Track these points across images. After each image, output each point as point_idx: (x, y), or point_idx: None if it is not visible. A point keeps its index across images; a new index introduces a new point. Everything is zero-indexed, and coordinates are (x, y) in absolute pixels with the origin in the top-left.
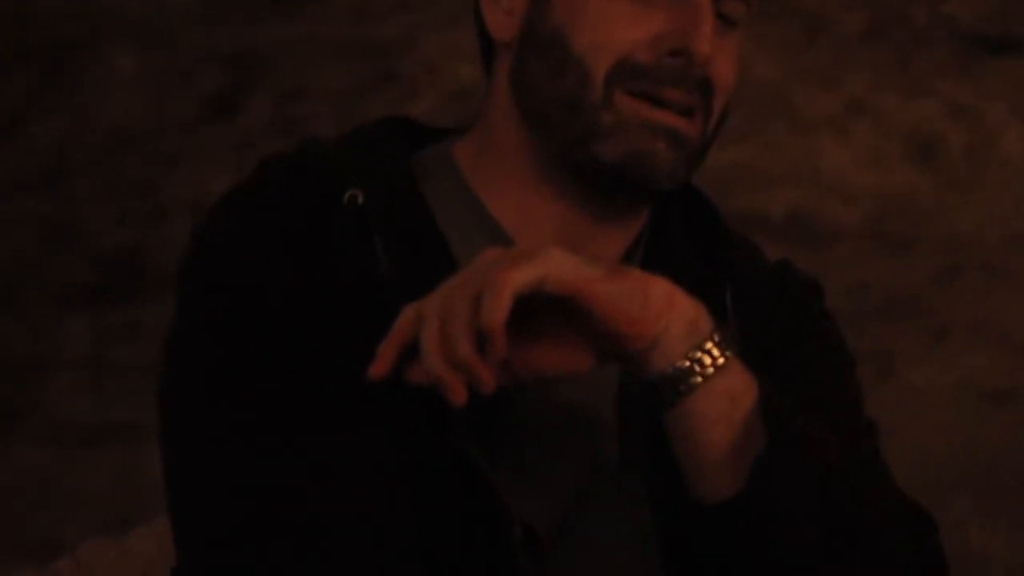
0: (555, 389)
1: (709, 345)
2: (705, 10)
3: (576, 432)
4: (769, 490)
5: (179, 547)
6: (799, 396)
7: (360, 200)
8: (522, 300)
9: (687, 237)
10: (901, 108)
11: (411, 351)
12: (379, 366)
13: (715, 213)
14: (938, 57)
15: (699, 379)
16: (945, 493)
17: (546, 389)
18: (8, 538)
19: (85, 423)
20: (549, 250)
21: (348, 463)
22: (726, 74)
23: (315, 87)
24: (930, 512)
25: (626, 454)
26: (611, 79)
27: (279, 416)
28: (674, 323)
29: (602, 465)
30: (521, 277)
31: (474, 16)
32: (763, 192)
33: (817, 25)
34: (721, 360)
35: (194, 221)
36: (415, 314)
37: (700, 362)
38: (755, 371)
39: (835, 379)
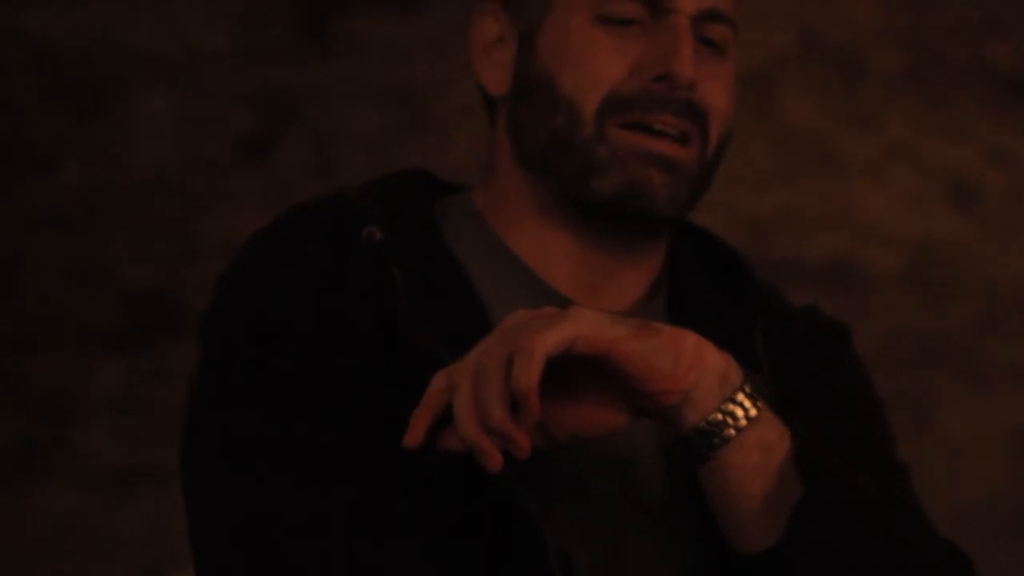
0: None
1: (740, 397)
2: (684, 33)
3: (616, 474)
4: (808, 538)
5: None
6: (831, 437)
7: (377, 236)
8: (554, 361)
9: (711, 280)
10: (940, 152)
11: (444, 417)
12: (413, 435)
13: (735, 255)
14: (978, 100)
15: (732, 432)
16: (984, 541)
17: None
18: None
19: (117, 466)
20: (578, 310)
21: (378, 502)
22: (719, 99)
23: (349, 130)
24: (966, 552)
25: (670, 498)
26: (601, 114)
27: (308, 464)
28: (705, 377)
29: (643, 507)
30: (552, 339)
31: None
32: (802, 238)
33: (855, 68)
34: (753, 411)
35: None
36: (446, 380)
37: (732, 415)
38: (787, 414)
39: (867, 420)
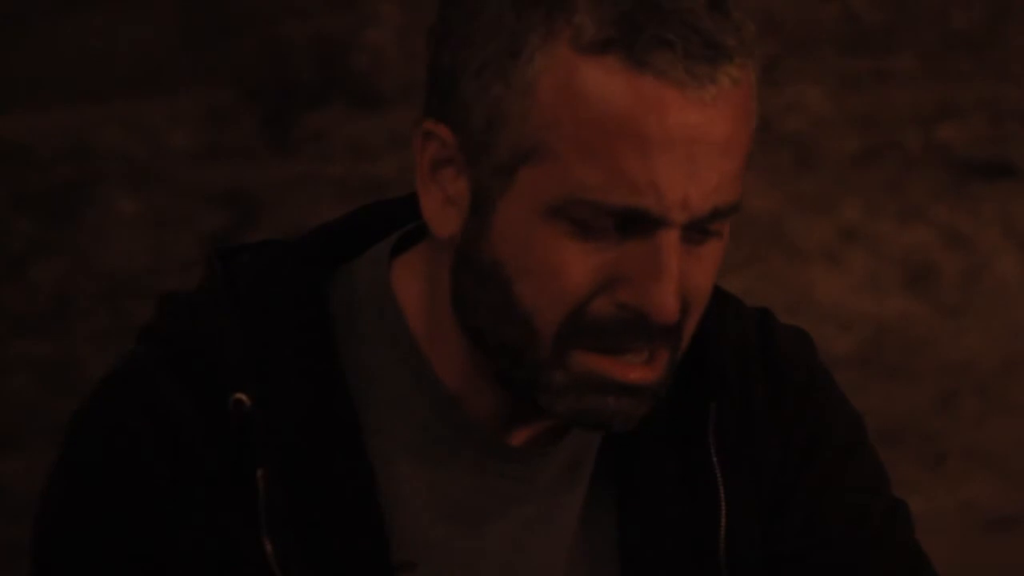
0: None
1: None
2: (669, 257)
3: None
4: None
5: None
6: (815, 500)
7: (247, 404)
8: None
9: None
10: (895, 234)
11: None
12: None
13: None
14: (932, 183)
15: None
16: None
17: None
18: None
19: None
20: None
21: None
22: (699, 290)
23: (314, 225)
24: None
25: None
26: (563, 337)
27: None
28: None
29: None
30: None
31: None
32: None
33: (809, 153)
34: None
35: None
36: None
37: None
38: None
39: (847, 468)
